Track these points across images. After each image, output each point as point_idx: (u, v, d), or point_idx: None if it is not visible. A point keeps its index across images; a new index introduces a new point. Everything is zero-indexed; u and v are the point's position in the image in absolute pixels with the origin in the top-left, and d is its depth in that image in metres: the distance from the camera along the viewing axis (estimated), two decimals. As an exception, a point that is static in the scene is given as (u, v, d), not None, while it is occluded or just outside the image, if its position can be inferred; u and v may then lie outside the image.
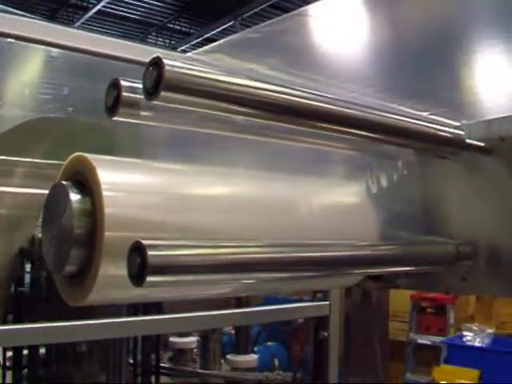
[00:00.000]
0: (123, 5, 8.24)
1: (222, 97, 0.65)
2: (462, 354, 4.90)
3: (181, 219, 0.84)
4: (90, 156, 0.84)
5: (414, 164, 1.14)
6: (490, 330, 5.14)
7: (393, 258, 1.01)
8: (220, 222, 0.89)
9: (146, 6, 8.29)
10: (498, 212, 1.05)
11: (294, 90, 0.73)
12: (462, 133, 1.04)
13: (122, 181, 0.83)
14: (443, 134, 1.02)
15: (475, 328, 5.14)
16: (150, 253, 0.63)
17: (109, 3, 8.04)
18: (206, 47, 1.20)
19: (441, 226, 1.12)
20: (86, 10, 8.18)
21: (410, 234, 1.15)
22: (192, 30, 8.91)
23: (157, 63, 0.62)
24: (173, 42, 9.00)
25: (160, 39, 8.98)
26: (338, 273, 0.97)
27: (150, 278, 0.63)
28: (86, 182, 0.83)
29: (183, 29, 8.89)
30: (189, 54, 1.16)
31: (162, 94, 0.62)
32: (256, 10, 7.93)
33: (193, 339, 2.33)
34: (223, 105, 0.66)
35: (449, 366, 4.83)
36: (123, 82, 0.71)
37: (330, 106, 0.80)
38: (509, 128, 1.17)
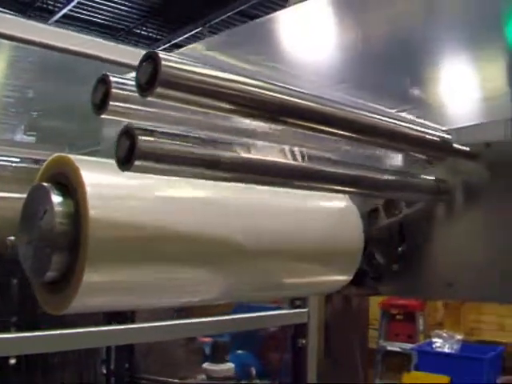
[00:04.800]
0: (90, 9, 8.15)
1: (221, 94, 0.63)
2: (431, 361, 4.95)
3: (167, 221, 0.81)
4: (72, 156, 0.80)
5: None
6: (458, 337, 5.21)
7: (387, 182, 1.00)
8: (205, 224, 0.86)
9: (113, 10, 8.21)
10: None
11: (294, 90, 0.71)
12: (449, 137, 1.03)
13: (106, 182, 0.79)
14: (432, 138, 1.01)
15: (444, 334, 5.20)
16: (140, 137, 0.62)
17: (75, 7, 7.94)
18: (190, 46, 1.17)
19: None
20: (52, 13, 8.06)
21: None
22: (159, 36, 8.86)
23: (152, 57, 0.59)
24: (140, 48, 8.94)
25: (127, 44, 8.92)
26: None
27: (137, 163, 0.62)
28: (68, 184, 0.79)
29: (150, 34, 8.84)
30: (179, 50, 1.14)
31: (158, 90, 0.59)
32: (224, 17, 7.92)
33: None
34: (221, 103, 0.63)
35: (419, 372, 4.87)
36: (112, 78, 0.67)
37: (328, 108, 0.78)
38: (494, 133, 1.17)
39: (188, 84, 0.60)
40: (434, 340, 5.22)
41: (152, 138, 0.64)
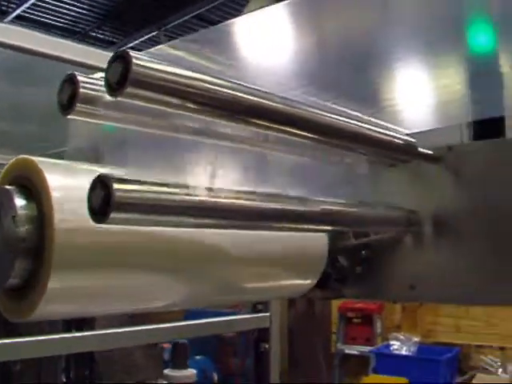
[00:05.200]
0: (45, 10, 8.01)
1: (192, 95, 0.61)
2: (389, 363, 5.01)
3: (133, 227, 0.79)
4: (35, 159, 0.78)
5: (364, 171, 1.14)
6: (416, 339, 5.28)
7: (354, 216, 0.99)
8: (169, 230, 0.85)
9: (69, 12, 8.09)
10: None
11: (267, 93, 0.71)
12: (414, 140, 1.05)
13: (71, 185, 0.77)
14: (397, 141, 1.02)
15: (401, 337, 5.27)
16: (115, 186, 0.59)
17: (30, 8, 7.79)
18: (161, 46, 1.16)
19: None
20: (6, 14, 7.89)
21: None
22: (115, 39, 8.78)
23: (123, 56, 0.58)
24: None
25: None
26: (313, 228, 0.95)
27: (114, 215, 0.59)
28: (31, 187, 0.76)
29: (106, 37, 8.74)
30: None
31: (128, 89, 0.57)
32: (180, 21, 7.90)
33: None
34: (193, 103, 0.62)
35: (377, 375, 4.92)
36: (80, 78, 0.65)
37: (296, 110, 0.77)
38: (456, 137, 1.19)
39: (159, 84, 0.59)
40: (392, 342, 5.29)
41: (128, 187, 0.61)
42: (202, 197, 0.68)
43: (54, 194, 0.73)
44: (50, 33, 7.79)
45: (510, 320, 5.44)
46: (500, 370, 5.23)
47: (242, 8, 6.55)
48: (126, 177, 0.61)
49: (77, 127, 0.84)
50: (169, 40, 8.14)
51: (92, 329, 1.69)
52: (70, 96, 0.65)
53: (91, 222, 0.74)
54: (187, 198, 0.67)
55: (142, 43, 8.34)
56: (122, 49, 0.57)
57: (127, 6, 7.70)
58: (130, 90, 0.58)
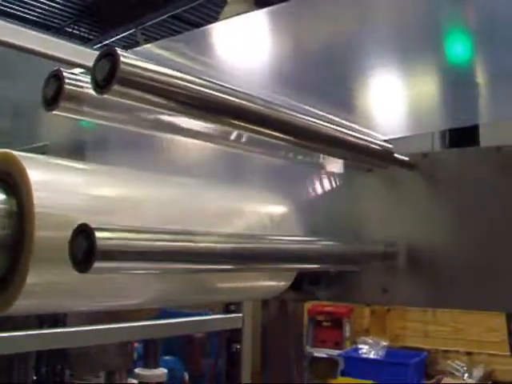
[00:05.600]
0: (19, 3, 7.91)
1: (180, 95, 0.62)
2: (358, 366, 5.06)
3: (117, 222, 0.79)
4: (16, 153, 0.77)
5: (342, 175, 1.16)
6: (384, 343, 5.34)
7: (327, 253, 1.01)
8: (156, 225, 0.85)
9: (44, 7, 8.00)
10: (418, 225, 1.09)
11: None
12: (390, 146, 1.07)
13: (52, 180, 0.77)
14: (374, 146, 1.04)
15: (370, 341, 5.32)
16: (98, 235, 0.58)
17: (4, 1, 7.69)
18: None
19: (364, 234, 1.14)
20: (-22, 7, 7.79)
21: None
22: (91, 36, 8.71)
23: (111, 54, 0.58)
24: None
25: (57, 43, 8.69)
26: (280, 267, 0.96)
27: (97, 264, 0.58)
28: (10, 181, 0.76)
29: (82, 34, 8.67)
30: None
31: (115, 87, 0.58)
32: (158, 20, 7.87)
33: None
34: (179, 104, 0.63)
35: (345, 378, 4.96)
36: (66, 74, 0.66)
37: (282, 114, 0.79)
38: (430, 144, 1.22)
39: (146, 82, 0.59)
40: (361, 346, 5.35)
41: (111, 235, 0.61)
42: (186, 242, 0.69)
43: (35, 188, 0.73)
44: (24, 27, 7.67)
45: (476, 326, 5.53)
46: (466, 374, 5.32)
47: (220, 9, 6.55)
48: (106, 226, 0.61)
49: (52, 122, 0.84)
50: (146, 38, 8.12)
51: (64, 325, 1.68)
52: (54, 92, 0.65)
53: (71, 217, 0.75)
54: (170, 244, 0.67)
55: (118, 41, 8.29)
56: (109, 47, 0.58)
57: (104, 2, 7.66)
58: (116, 87, 0.58)
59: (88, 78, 0.60)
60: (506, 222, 0.99)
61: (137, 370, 2.13)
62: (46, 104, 0.66)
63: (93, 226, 0.60)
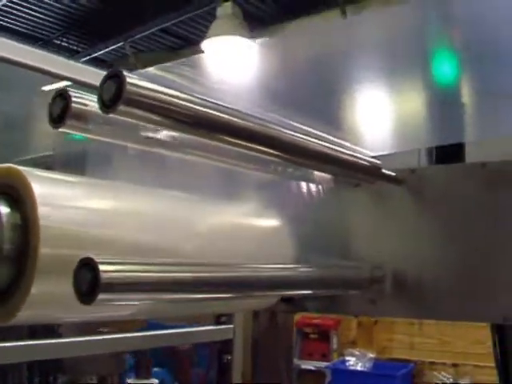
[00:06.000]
0: (7, 15, 7.90)
1: (184, 115, 0.66)
2: (345, 378, 5.08)
3: (118, 235, 0.82)
4: (20, 168, 0.80)
5: (330, 190, 1.19)
6: (371, 355, 5.37)
7: (309, 280, 1.03)
8: (155, 240, 0.88)
9: (32, 19, 7.98)
10: (405, 239, 1.12)
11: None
12: (378, 162, 1.09)
13: (56, 194, 0.80)
14: (363, 162, 1.07)
15: (357, 353, 5.35)
16: (102, 268, 0.61)
17: (-8, 13, 7.69)
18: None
19: (353, 251, 1.17)
20: (-35, 18, 7.77)
21: (325, 259, 1.17)
22: (80, 48, 8.71)
23: (117, 75, 0.62)
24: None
25: (46, 55, 8.68)
26: (264, 294, 0.99)
27: (101, 296, 0.61)
28: (14, 194, 0.79)
29: (71, 46, 8.66)
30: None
31: (121, 107, 0.61)
32: (146, 34, 7.88)
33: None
34: (183, 124, 0.66)
35: (332, 390, 4.98)
36: (72, 93, 0.69)
37: (272, 131, 0.82)
38: (418, 160, 1.25)
39: (151, 103, 0.63)
40: (348, 358, 5.37)
41: (114, 268, 0.64)
42: (188, 273, 0.72)
43: (39, 201, 0.75)
44: (11, 39, 7.65)
45: (462, 338, 5.57)
46: (452, 385, 5.37)
47: (208, 23, 6.59)
48: (110, 259, 0.64)
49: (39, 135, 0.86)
50: (134, 51, 8.15)
51: (58, 336, 1.70)
52: (61, 110, 0.68)
53: (75, 230, 0.78)
54: (173, 275, 0.70)
55: (106, 53, 8.29)
56: (115, 68, 0.61)
57: (93, 15, 7.66)
58: (122, 107, 0.61)
59: (93, 97, 0.63)
60: (490, 236, 1.02)
61: (129, 381, 2.15)
62: (52, 121, 0.69)
63: (96, 257, 0.62)
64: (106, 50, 8.29)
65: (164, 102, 0.64)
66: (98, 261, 0.61)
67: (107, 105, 0.62)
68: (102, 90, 0.63)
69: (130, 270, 0.64)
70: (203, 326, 1.93)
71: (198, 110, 0.67)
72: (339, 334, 6.12)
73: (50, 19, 8.04)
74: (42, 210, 0.75)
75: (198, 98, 0.67)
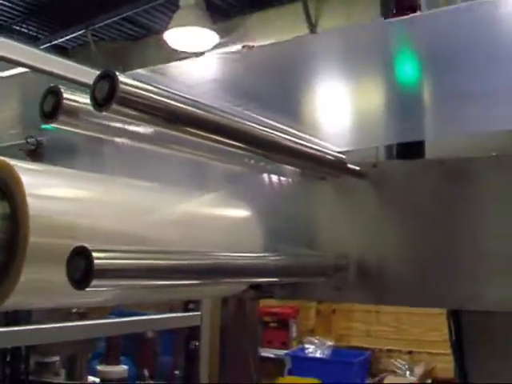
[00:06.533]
0: (-35, 1, 7.74)
1: (171, 114, 0.71)
2: (304, 365, 5.17)
3: (100, 224, 0.87)
4: (8, 160, 0.84)
5: (298, 183, 1.24)
6: (329, 343, 5.48)
7: (278, 268, 1.08)
8: (133, 228, 0.92)
9: (-9, 4, 7.85)
10: (367, 229, 1.18)
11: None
12: (343, 157, 1.15)
13: (44, 184, 0.84)
14: (329, 157, 1.12)
15: (316, 341, 5.45)
16: (95, 255, 0.65)
17: (-51, -2, 7.51)
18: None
19: (319, 240, 1.23)
20: None
21: (292, 248, 1.22)
22: (40, 35, 8.58)
23: (109, 76, 0.66)
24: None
25: (4, 41, 8.51)
26: (236, 281, 1.04)
27: (95, 282, 0.65)
28: (2, 186, 0.83)
29: (31, 32, 8.53)
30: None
31: (114, 106, 0.66)
32: (108, 22, 7.81)
33: (59, 352, 2.27)
34: (177, 124, 0.71)
35: (292, 377, 5.07)
36: (63, 90, 0.73)
37: (243, 126, 0.87)
38: (379, 155, 1.32)
39: (143, 102, 0.67)
40: (307, 346, 5.48)
41: (106, 255, 0.68)
42: (174, 261, 0.77)
43: (28, 192, 0.79)
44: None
45: (418, 326, 5.73)
46: (408, 372, 5.51)
47: (171, 13, 6.58)
48: (101, 247, 0.68)
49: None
50: (95, 39, 8.07)
51: (28, 323, 1.72)
52: (53, 105, 0.73)
53: (62, 220, 0.82)
54: (159, 262, 0.75)
55: (68, 41, 8.20)
56: (108, 69, 0.65)
57: (55, 1, 7.56)
58: (115, 106, 0.66)
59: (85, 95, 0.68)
60: (447, 228, 1.09)
61: (99, 367, 2.17)
62: (44, 116, 0.73)
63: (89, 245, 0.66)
64: (67, 37, 8.19)
65: (155, 101, 0.69)
66: (91, 249, 0.66)
67: (100, 103, 0.67)
68: (95, 89, 0.67)
69: (120, 257, 0.69)
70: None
71: (186, 108, 0.73)
72: (298, 322, 6.22)
73: (10, 5, 7.90)
74: (30, 201, 0.79)
75: (186, 97, 0.72)
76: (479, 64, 0.94)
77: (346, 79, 1.17)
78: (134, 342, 3.47)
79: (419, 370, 5.53)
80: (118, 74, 0.67)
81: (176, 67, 1.22)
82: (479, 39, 0.90)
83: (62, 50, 8.30)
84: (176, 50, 6.63)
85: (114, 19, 7.63)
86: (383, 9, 4.94)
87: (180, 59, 1.33)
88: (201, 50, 6.63)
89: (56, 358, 2.20)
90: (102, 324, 1.76)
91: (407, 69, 1.12)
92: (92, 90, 0.67)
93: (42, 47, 8.16)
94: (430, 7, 1.35)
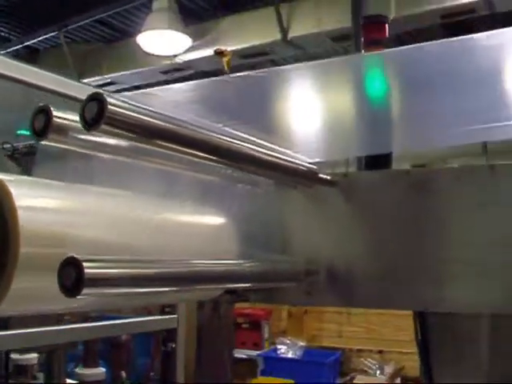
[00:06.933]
0: None
1: (157, 132, 0.76)
2: (276, 366, 5.23)
3: (92, 234, 0.91)
4: (-2, 175, 0.88)
5: (272, 192, 1.29)
6: (301, 343, 5.55)
7: (253, 274, 1.14)
8: (115, 238, 0.97)
9: (-40, 5, 7.74)
10: (337, 236, 1.24)
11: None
12: (315, 167, 1.21)
13: (34, 196, 0.88)
14: (301, 168, 1.18)
15: (288, 341, 5.51)
16: (85, 264, 0.70)
17: None
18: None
19: (291, 247, 1.27)
20: None
21: (266, 254, 1.27)
22: (12, 36, 8.48)
23: (98, 99, 0.71)
24: (-10, 48, 8.50)
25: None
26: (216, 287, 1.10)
27: (85, 290, 0.70)
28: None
29: (2, 34, 8.43)
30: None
31: (102, 126, 0.71)
32: (81, 24, 7.74)
33: (33, 355, 2.29)
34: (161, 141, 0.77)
35: (265, 377, 5.13)
36: (53, 109, 0.77)
37: (223, 142, 0.93)
38: (350, 166, 1.38)
39: (130, 122, 0.72)
40: (279, 347, 5.54)
41: (97, 264, 0.73)
42: (161, 269, 0.82)
43: (18, 204, 0.83)
44: None
45: (387, 326, 5.83)
46: (378, 371, 5.62)
47: (144, 16, 6.58)
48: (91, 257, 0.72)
49: None
50: (68, 41, 8.00)
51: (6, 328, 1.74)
52: (44, 124, 0.77)
53: (50, 230, 0.87)
54: (144, 271, 0.80)
55: (40, 42, 8.11)
56: (12, 48, 0.69)
57: (27, 2, 7.49)
58: (104, 126, 0.71)
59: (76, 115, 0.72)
60: (412, 234, 1.14)
61: (77, 370, 2.20)
62: (36, 134, 0.77)
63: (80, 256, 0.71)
64: (39, 38, 8.10)
65: (140, 120, 0.74)
66: (81, 259, 0.71)
67: (90, 123, 0.71)
68: (85, 110, 0.72)
69: (109, 266, 0.74)
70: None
71: (168, 126, 0.78)
72: (270, 323, 6.28)
73: (-19, 5, 7.79)
74: (20, 212, 0.83)
75: (169, 116, 0.78)
76: (437, 90, 1.03)
77: (320, 103, 1.23)
78: (107, 345, 3.49)
79: (389, 369, 5.64)
80: (105, 95, 0.72)
81: (163, 91, 1.28)
82: (438, 70, 1.00)
83: (33, 51, 8.23)
84: (149, 53, 6.64)
85: (87, 21, 7.58)
86: (353, 14, 5.03)
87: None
88: (173, 53, 6.67)
89: (34, 362, 2.23)
90: (81, 328, 1.80)
91: (376, 92, 1.19)
92: (81, 111, 0.72)
93: (13, 48, 8.09)
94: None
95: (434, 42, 0.99)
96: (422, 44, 1.00)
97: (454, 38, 0.98)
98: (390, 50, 1.13)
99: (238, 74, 1.19)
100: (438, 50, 1.00)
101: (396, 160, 1.35)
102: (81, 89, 2.38)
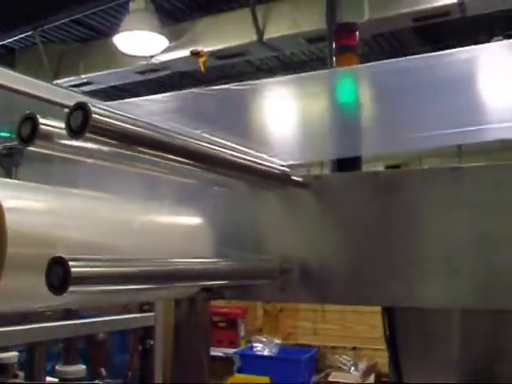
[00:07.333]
0: None
1: (140, 139, 0.81)
2: (252, 363, 5.28)
3: (78, 235, 0.96)
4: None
5: (246, 193, 1.34)
6: (277, 341, 5.61)
7: (228, 272, 1.17)
8: (99, 238, 1.02)
9: None
10: (310, 235, 1.28)
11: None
12: (288, 170, 1.25)
13: (22, 198, 0.92)
14: (275, 171, 1.22)
15: (264, 339, 5.57)
16: (71, 263, 0.75)
17: None
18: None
19: (266, 246, 1.32)
20: None
21: (242, 253, 1.32)
22: (-15, 35, 8.40)
23: (83, 108, 0.75)
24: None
25: None
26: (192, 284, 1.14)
27: (71, 288, 0.74)
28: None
29: (-24, 33, 8.34)
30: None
31: (87, 134, 0.75)
32: (57, 23, 7.69)
33: (14, 354, 2.31)
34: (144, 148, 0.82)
35: (241, 375, 5.18)
36: (39, 117, 0.82)
37: (201, 147, 0.98)
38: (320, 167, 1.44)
39: (114, 130, 0.77)
40: (255, 344, 5.60)
41: (83, 263, 0.76)
42: (143, 267, 0.86)
43: (6, 206, 0.88)
44: None
45: (361, 324, 5.92)
46: (352, 368, 5.70)
47: (121, 16, 6.58)
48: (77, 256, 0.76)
49: None
50: (44, 40, 7.95)
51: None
52: (30, 131, 0.81)
53: (38, 232, 0.91)
54: (127, 269, 0.84)
55: (15, 41, 8.03)
56: (81, 101, 0.75)
57: (1, 1, 7.43)
58: (88, 134, 0.75)
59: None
60: (381, 232, 1.20)
61: (57, 367, 2.22)
62: (22, 141, 0.82)
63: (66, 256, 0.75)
64: (15, 38, 8.02)
65: (123, 128, 0.79)
66: (67, 258, 0.75)
67: (75, 131, 0.76)
68: (70, 119, 0.76)
69: (94, 265, 0.79)
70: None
71: (149, 133, 0.83)
72: (246, 322, 6.34)
73: (-47, 4, 7.71)
74: (7, 214, 0.88)
75: (149, 124, 0.83)
76: (405, 99, 1.09)
77: (294, 112, 1.29)
78: (85, 343, 3.51)
79: (363, 365, 5.72)
80: (90, 105, 0.76)
81: (145, 101, 1.32)
82: (407, 82, 1.06)
83: (9, 51, 8.16)
84: (126, 54, 6.65)
85: (63, 21, 7.53)
86: (327, 17, 5.10)
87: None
88: (150, 54, 6.68)
89: (15, 360, 2.24)
90: (59, 326, 1.83)
91: (347, 100, 1.24)
92: (67, 120, 0.76)
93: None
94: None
95: (403, 58, 1.04)
96: (391, 60, 1.06)
97: (428, 54, 1.05)
98: (362, 65, 1.19)
99: (216, 87, 1.25)
100: (408, 66, 1.06)
101: (371, 160, 1.40)
102: (54, 91, 2.40)
